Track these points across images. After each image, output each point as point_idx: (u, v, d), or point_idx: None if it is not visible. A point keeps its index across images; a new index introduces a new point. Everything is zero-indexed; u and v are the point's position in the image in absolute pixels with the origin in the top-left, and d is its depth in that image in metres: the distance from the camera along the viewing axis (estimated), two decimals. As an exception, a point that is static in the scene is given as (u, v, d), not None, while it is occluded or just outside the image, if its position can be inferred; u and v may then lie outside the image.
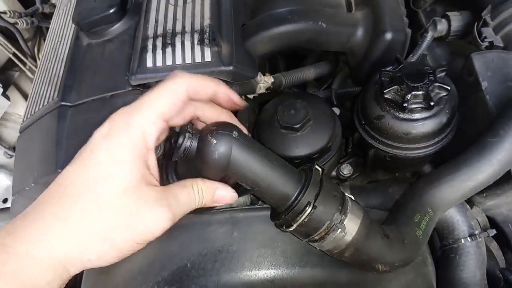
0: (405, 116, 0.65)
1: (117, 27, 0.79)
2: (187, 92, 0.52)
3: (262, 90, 0.82)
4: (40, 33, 1.24)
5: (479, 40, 0.82)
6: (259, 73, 0.81)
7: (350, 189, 0.78)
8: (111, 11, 0.77)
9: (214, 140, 0.49)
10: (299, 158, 0.76)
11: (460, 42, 0.94)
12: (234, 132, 0.50)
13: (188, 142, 0.50)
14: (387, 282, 0.62)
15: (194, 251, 0.59)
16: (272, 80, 0.83)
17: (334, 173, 0.84)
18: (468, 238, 0.74)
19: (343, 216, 0.51)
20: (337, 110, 0.88)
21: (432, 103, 0.62)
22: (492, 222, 0.89)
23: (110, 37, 0.79)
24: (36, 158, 0.73)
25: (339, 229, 0.50)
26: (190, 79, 0.53)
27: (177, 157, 0.51)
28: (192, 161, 0.51)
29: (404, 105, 0.63)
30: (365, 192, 0.77)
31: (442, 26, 0.89)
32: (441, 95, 0.64)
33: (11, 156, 1.26)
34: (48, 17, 1.21)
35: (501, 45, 0.80)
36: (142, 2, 0.79)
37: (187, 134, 0.50)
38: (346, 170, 0.82)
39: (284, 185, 0.51)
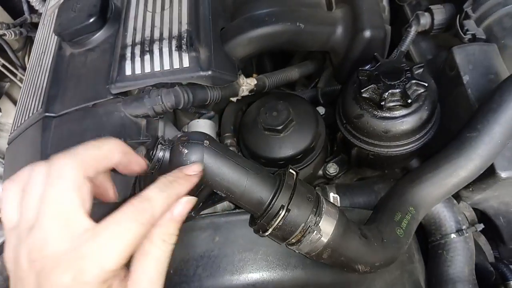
0: (384, 114, 0.65)
1: (98, 36, 0.79)
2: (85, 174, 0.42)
3: (245, 93, 0.82)
4: (29, 43, 1.25)
5: (461, 33, 0.81)
6: (242, 76, 0.82)
7: (336, 188, 0.78)
8: (91, 20, 0.77)
9: (186, 150, 0.49)
10: (283, 159, 0.76)
11: (445, 36, 0.93)
12: (205, 141, 0.50)
13: (160, 153, 0.51)
14: (371, 281, 0.62)
15: (177, 257, 0.60)
16: (255, 82, 0.83)
17: (320, 172, 0.84)
18: (456, 234, 0.74)
19: (318, 218, 0.51)
20: (322, 110, 0.88)
21: (409, 101, 0.62)
22: (484, 216, 0.88)
23: (91, 46, 0.80)
24: (22, 170, 0.74)
25: (315, 231, 0.51)
26: (81, 162, 0.43)
27: (152, 169, 0.51)
28: (166, 171, 0.52)
29: (381, 103, 0.63)
30: (350, 190, 0.77)
31: (425, 20, 0.89)
32: (419, 92, 0.64)
33: (6, 166, 1.28)
34: (37, 26, 1.22)
35: (483, 37, 0.80)
36: (122, 10, 0.79)
37: (159, 146, 0.51)
38: (332, 169, 0.82)
39: (258, 191, 0.51)
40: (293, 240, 0.52)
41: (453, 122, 0.75)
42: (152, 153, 0.50)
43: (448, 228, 0.75)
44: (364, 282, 0.61)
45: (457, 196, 0.79)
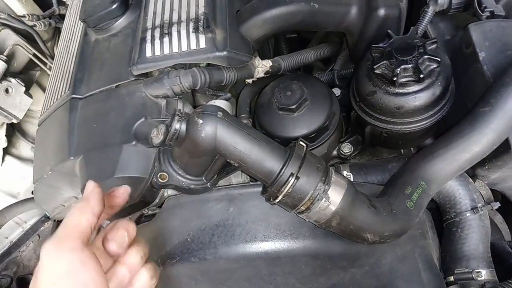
0: (397, 90, 0.66)
1: (121, 22, 0.83)
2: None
3: (261, 74, 0.84)
4: (58, 33, 1.31)
5: (479, 11, 0.80)
6: (257, 58, 0.84)
7: (350, 167, 0.79)
8: (114, 6, 0.81)
9: (200, 120, 0.52)
10: (296, 139, 0.77)
11: (463, 15, 0.92)
12: (218, 112, 0.53)
13: (177, 125, 0.54)
14: (381, 254, 0.63)
15: (194, 226, 0.63)
16: (271, 63, 0.85)
17: (335, 152, 0.85)
18: (471, 211, 0.74)
19: (327, 186, 0.53)
20: (337, 91, 0.89)
21: (422, 76, 0.62)
22: (502, 197, 0.87)
23: (115, 32, 0.84)
24: (51, 148, 0.79)
25: (323, 199, 0.53)
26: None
27: (170, 140, 0.54)
28: (183, 143, 0.55)
29: (394, 79, 0.64)
30: (364, 169, 0.78)
31: (443, 0, 0.88)
32: (432, 67, 0.64)
33: (38, 151, 1.35)
34: (64, 18, 1.28)
35: (503, 14, 0.78)
36: (142, -4, 0.83)
37: (176, 117, 0.54)
38: (346, 148, 0.83)
39: (269, 160, 0.53)
40: (303, 208, 0.54)
41: (470, 100, 0.74)
42: (170, 125, 0.54)
43: (463, 206, 0.75)
44: (374, 254, 0.63)
45: (473, 175, 0.79)
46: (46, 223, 1.35)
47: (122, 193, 0.52)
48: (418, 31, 0.86)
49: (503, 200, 0.89)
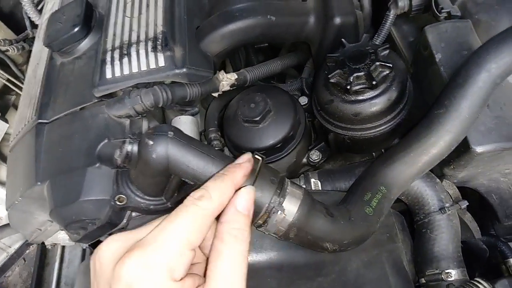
0: (352, 98, 0.67)
1: (84, 44, 0.84)
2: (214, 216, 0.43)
3: (226, 88, 0.85)
4: (32, 57, 1.33)
5: (436, 12, 0.81)
6: (222, 72, 0.84)
7: (318, 174, 0.79)
8: (76, 30, 0.81)
9: (151, 142, 0.52)
10: (263, 149, 0.79)
11: (426, 16, 0.93)
12: (169, 132, 0.53)
13: (129, 147, 0.54)
14: (346, 261, 0.63)
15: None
16: (236, 76, 0.85)
17: (305, 160, 0.86)
18: (439, 212, 0.74)
19: (281, 198, 0.53)
20: (304, 99, 0.90)
21: (374, 82, 0.63)
22: (478, 194, 0.88)
23: (79, 54, 0.84)
24: (20, 174, 0.80)
25: (279, 211, 0.53)
26: (218, 202, 0.43)
27: (123, 162, 0.55)
28: (137, 164, 0.55)
29: (348, 87, 0.64)
30: (332, 176, 0.78)
31: (403, 2, 0.89)
32: (385, 73, 0.65)
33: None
34: (38, 41, 1.29)
35: (458, 14, 0.79)
36: (103, 18, 0.84)
37: (127, 140, 0.54)
38: (315, 156, 0.84)
39: (222, 176, 0.54)
40: (260, 222, 0.54)
41: (431, 101, 0.75)
42: (122, 147, 0.54)
43: (431, 207, 0.75)
44: (339, 261, 0.63)
45: (441, 175, 0.80)
46: (31, 246, 1.35)
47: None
48: (381, 35, 0.87)
49: (473, 198, 0.89)
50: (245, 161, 0.51)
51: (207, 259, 0.42)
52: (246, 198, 0.45)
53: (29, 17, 1.29)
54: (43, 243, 1.10)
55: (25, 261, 1.37)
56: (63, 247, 1.19)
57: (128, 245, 0.40)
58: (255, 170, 0.55)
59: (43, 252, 1.23)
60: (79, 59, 0.84)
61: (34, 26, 1.32)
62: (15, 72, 1.20)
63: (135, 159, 0.55)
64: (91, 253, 0.46)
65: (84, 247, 0.91)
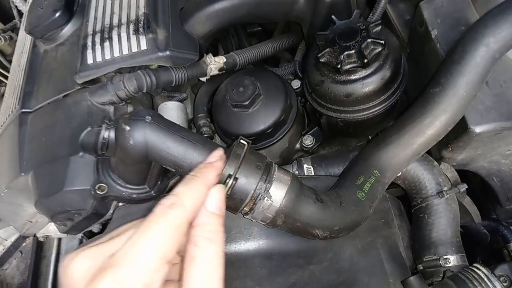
0: (343, 78, 0.63)
1: (67, 30, 0.81)
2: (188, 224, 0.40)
3: (215, 72, 0.81)
4: (21, 46, 1.30)
5: (433, -13, 0.77)
6: (209, 55, 0.81)
7: (311, 160, 0.77)
8: (57, 15, 0.78)
9: (127, 127, 0.50)
10: (254, 135, 0.76)
11: (422, -7, 0.89)
12: (147, 117, 0.50)
13: (106, 133, 0.51)
14: (339, 248, 0.61)
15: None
16: (224, 60, 0.82)
17: (298, 145, 0.83)
18: (436, 196, 0.71)
19: (268, 184, 0.51)
20: (297, 83, 0.87)
21: (366, 60, 0.60)
22: (479, 177, 0.84)
23: (62, 40, 0.81)
24: (5, 165, 0.77)
25: (265, 198, 0.50)
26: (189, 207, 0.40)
27: (100, 149, 0.52)
28: (115, 152, 0.52)
29: (338, 66, 0.61)
30: (325, 161, 0.76)
31: (398, -22, 0.85)
32: (377, 50, 0.61)
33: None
34: (26, 30, 1.25)
35: (456, -12, 0.75)
36: (86, 2, 0.80)
37: (104, 126, 0.51)
38: (308, 141, 0.81)
39: (205, 162, 0.51)
40: (246, 209, 0.51)
41: (427, 79, 0.72)
42: (98, 134, 0.51)
43: (429, 191, 0.72)
44: (332, 248, 0.60)
45: (440, 158, 0.77)
46: (27, 239, 1.34)
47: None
48: (376, 14, 0.83)
49: (475, 181, 0.86)
50: (217, 159, 0.48)
51: (182, 260, 0.39)
52: (217, 197, 0.43)
53: (16, 6, 1.26)
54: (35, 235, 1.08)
55: (22, 253, 1.36)
56: (60, 239, 1.18)
57: (99, 262, 0.37)
58: (239, 155, 0.52)
59: (39, 244, 1.22)
60: (62, 45, 0.81)
61: (22, 15, 1.29)
62: (3, 63, 1.18)
63: (112, 146, 0.52)
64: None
65: (80, 237, 0.89)
